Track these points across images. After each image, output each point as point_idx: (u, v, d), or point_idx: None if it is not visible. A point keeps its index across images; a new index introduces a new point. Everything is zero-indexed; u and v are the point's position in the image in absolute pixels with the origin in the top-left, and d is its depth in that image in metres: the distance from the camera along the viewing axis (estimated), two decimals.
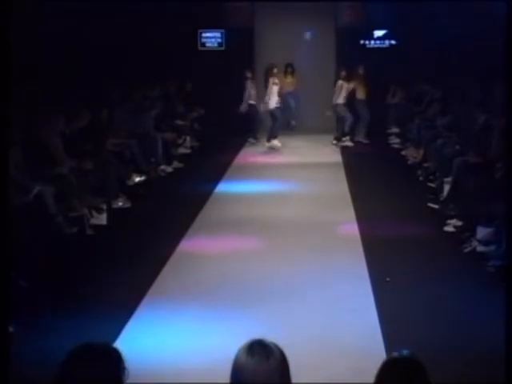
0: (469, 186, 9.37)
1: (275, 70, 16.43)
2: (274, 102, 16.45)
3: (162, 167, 13.78)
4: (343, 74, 16.89)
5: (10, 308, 5.13)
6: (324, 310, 6.87)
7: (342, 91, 16.82)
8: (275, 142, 16.47)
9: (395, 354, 2.92)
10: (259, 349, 2.57)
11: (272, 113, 16.56)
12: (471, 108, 11.89)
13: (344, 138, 16.99)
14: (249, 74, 17.40)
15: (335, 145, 16.91)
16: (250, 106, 17.13)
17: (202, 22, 18.97)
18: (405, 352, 2.89)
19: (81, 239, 9.09)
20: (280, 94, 16.90)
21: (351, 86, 16.94)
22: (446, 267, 8.10)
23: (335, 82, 17.17)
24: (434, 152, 12.41)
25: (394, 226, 9.87)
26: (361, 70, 17.11)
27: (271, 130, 16.64)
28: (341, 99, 16.90)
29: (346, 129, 17.07)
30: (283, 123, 17.52)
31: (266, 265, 8.27)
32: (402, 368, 2.80)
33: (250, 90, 17.18)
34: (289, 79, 18.45)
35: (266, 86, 16.46)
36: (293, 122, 18.69)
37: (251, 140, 17.32)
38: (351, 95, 17.15)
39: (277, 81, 16.45)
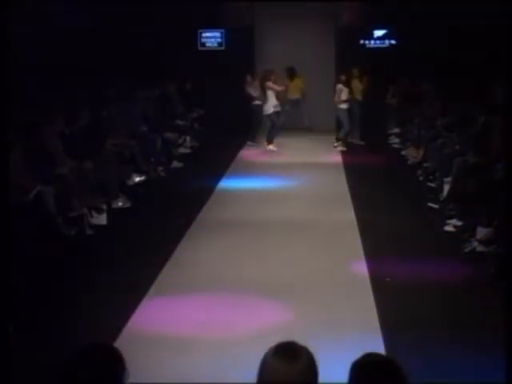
0: (469, 186, 9.37)
1: (272, 77, 16.39)
2: (271, 106, 16.42)
3: (162, 167, 13.77)
4: (343, 78, 16.86)
5: (9, 308, 5.14)
6: (324, 309, 6.87)
7: (342, 95, 16.75)
8: (270, 147, 16.47)
9: (367, 356, 2.79)
10: (286, 351, 2.59)
11: (270, 117, 16.55)
12: (471, 108, 11.89)
13: (336, 144, 16.93)
14: (249, 79, 17.37)
15: (335, 147, 16.91)
16: (258, 106, 17.06)
17: (202, 22, 18.97)
18: (377, 354, 2.83)
19: (81, 239, 9.10)
20: (285, 99, 17.06)
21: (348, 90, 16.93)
22: (446, 267, 8.10)
23: (334, 85, 17.15)
24: (434, 152, 12.41)
25: (393, 226, 9.87)
26: (356, 72, 17.07)
27: (268, 135, 16.62)
28: (342, 104, 16.84)
29: (341, 135, 17.00)
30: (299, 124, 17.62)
31: (265, 265, 8.27)
32: (379, 370, 2.71)
33: (251, 92, 17.16)
34: (293, 83, 18.20)
35: (263, 91, 16.43)
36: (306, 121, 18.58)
37: (250, 143, 17.26)
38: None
39: (272, 86, 16.38)
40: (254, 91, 17.21)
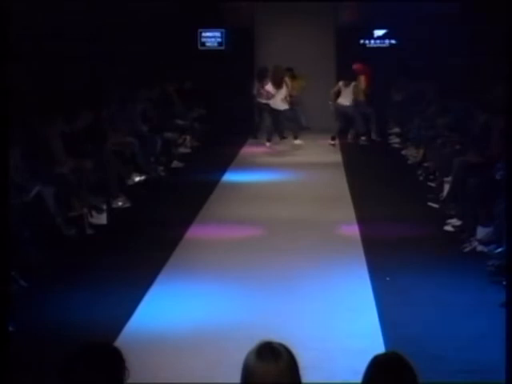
0: (469, 186, 9.37)
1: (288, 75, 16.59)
2: (284, 103, 16.49)
3: (162, 167, 13.76)
4: (341, 83, 16.87)
5: (9, 308, 5.14)
6: (324, 309, 6.87)
7: (345, 92, 16.77)
8: (298, 142, 16.61)
9: (381, 354, 2.96)
10: (267, 352, 2.64)
11: (282, 114, 16.60)
12: (471, 108, 11.88)
13: (363, 138, 16.99)
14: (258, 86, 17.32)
15: (333, 145, 16.92)
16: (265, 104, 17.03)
17: (202, 22, 18.97)
18: (390, 351, 2.94)
19: (81, 239, 9.10)
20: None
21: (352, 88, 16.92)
22: (446, 267, 8.09)
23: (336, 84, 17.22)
24: (434, 152, 12.41)
25: (393, 225, 9.87)
26: (360, 68, 17.06)
27: (294, 131, 16.76)
28: (347, 101, 16.84)
29: (361, 129, 17.04)
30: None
31: (266, 265, 8.26)
32: (390, 367, 2.83)
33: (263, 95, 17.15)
34: (292, 84, 18.18)
35: (277, 87, 16.37)
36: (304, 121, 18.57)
37: (251, 140, 17.29)
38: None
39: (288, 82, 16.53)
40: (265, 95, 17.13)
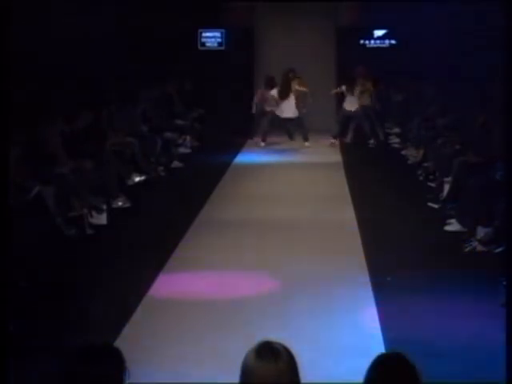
0: (469, 186, 9.37)
1: (291, 75, 16.54)
2: (293, 109, 16.49)
3: (162, 167, 13.77)
4: (344, 87, 16.86)
5: (9, 308, 5.14)
6: (324, 309, 6.87)
7: (351, 98, 16.76)
8: (308, 144, 16.69)
9: (383, 353, 3.00)
10: (267, 351, 2.62)
11: (294, 121, 16.64)
12: (471, 108, 11.89)
13: (371, 141, 16.92)
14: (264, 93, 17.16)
15: (333, 144, 16.94)
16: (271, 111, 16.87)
17: (201, 22, 18.98)
18: (393, 352, 2.95)
19: (81, 239, 9.10)
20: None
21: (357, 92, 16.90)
22: (446, 267, 8.10)
23: (336, 87, 17.20)
24: (434, 152, 12.42)
25: (393, 225, 9.87)
26: (361, 70, 17.04)
27: (303, 134, 16.81)
28: (353, 106, 16.81)
29: (369, 133, 16.99)
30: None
31: (266, 266, 8.27)
32: (391, 366, 2.84)
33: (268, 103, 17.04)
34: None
35: (285, 91, 16.32)
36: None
37: (250, 141, 17.33)
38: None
39: (299, 88, 16.58)
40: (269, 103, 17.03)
